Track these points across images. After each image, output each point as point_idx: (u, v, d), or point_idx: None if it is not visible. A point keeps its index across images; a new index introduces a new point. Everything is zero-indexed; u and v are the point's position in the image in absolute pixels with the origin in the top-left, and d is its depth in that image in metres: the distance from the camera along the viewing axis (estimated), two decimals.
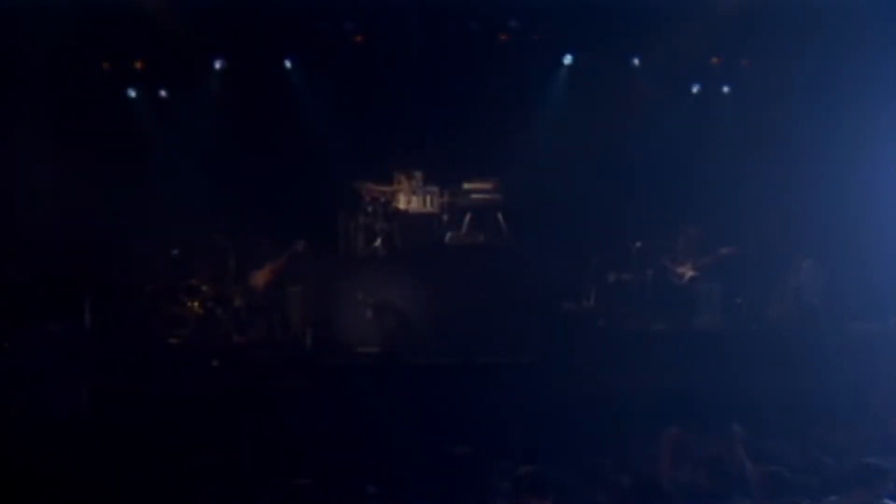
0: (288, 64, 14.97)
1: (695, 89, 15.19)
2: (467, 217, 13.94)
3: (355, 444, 9.32)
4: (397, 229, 13.76)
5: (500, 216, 13.90)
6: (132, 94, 14.97)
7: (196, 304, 13.13)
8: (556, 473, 7.45)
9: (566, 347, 12.39)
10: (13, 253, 13.25)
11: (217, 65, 14.85)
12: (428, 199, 14.08)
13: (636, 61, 14.89)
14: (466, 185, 14.08)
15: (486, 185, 14.05)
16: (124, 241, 14.07)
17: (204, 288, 13.22)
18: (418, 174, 14.16)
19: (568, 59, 14.82)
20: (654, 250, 13.69)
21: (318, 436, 9.73)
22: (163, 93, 15.05)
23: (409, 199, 14.06)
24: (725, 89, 15.14)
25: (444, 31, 14.66)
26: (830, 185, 13.89)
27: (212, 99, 15.00)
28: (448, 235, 13.89)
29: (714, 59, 14.66)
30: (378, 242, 13.59)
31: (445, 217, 14.03)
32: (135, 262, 13.85)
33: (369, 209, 13.77)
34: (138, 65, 14.51)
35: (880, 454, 7.44)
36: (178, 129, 15.07)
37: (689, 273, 13.50)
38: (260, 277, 13.65)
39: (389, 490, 8.03)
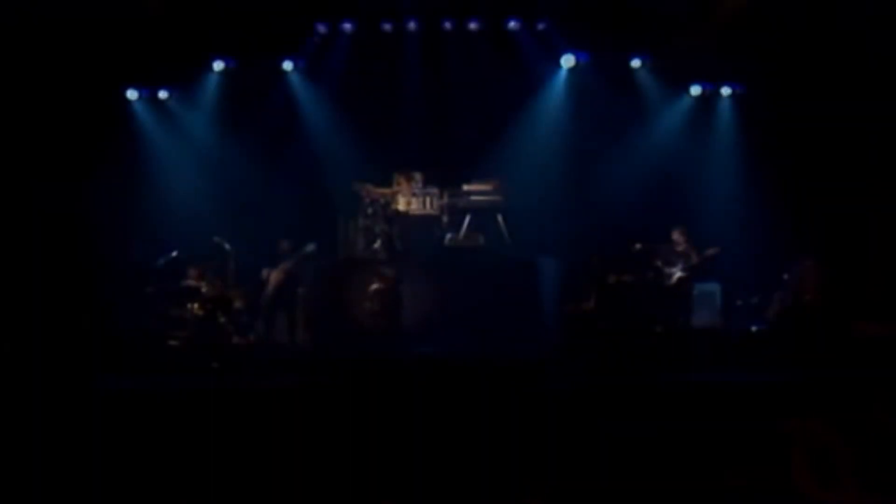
0: (287, 65, 14.96)
1: (695, 91, 15.18)
2: (467, 219, 13.94)
3: (355, 444, 9.29)
4: (397, 231, 13.76)
5: (499, 218, 13.89)
6: (131, 95, 14.96)
7: (196, 306, 13.11)
8: (556, 473, 7.48)
9: (566, 349, 12.39)
10: (12, 253, 13.22)
11: (216, 66, 14.85)
12: (428, 200, 14.08)
13: (636, 62, 14.89)
14: (466, 187, 14.08)
15: (486, 187, 14.05)
16: (124, 243, 14.05)
17: (204, 290, 13.22)
18: (418, 176, 14.17)
19: (568, 60, 14.81)
20: (654, 251, 13.66)
21: (319, 436, 9.68)
22: (162, 94, 15.05)
23: (409, 201, 14.06)
24: (726, 90, 15.14)
25: (443, 32, 14.68)
26: (831, 185, 13.89)
27: (211, 100, 15.01)
28: (448, 237, 13.89)
29: (714, 61, 14.62)
30: (378, 244, 13.60)
31: (445, 219, 14.03)
32: (134, 264, 13.81)
33: (369, 211, 13.77)
34: (138, 66, 14.46)
35: None
36: (177, 130, 15.08)
37: (678, 274, 13.48)
38: (272, 278, 13.65)
39: (391, 489, 8.03)
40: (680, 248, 13.55)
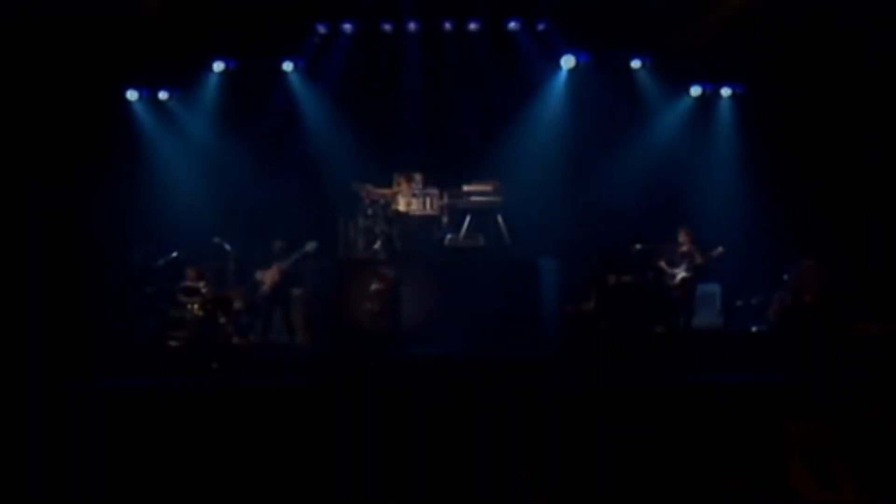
0: (287, 65, 14.96)
1: (695, 91, 15.18)
2: (467, 219, 13.93)
3: (356, 444, 9.30)
4: (397, 231, 13.77)
5: (499, 218, 13.88)
6: (132, 95, 14.95)
7: (196, 306, 13.13)
8: (557, 473, 7.47)
9: (566, 349, 12.39)
10: (12, 254, 13.22)
11: (216, 66, 14.85)
12: (428, 201, 14.08)
13: (636, 63, 14.89)
14: (466, 188, 14.07)
15: (486, 188, 14.04)
16: (124, 243, 14.04)
17: (203, 290, 13.23)
18: (418, 176, 14.17)
19: (568, 61, 14.80)
20: (654, 252, 13.65)
21: (319, 437, 9.69)
22: (162, 94, 15.04)
23: (409, 202, 14.06)
24: (726, 91, 15.14)
25: (443, 32, 14.69)
26: (830, 185, 13.90)
27: (211, 100, 15.01)
28: (448, 237, 13.88)
29: (714, 61, 14.61)
30: (378, 244, 13.60)
31: (445, 219, 14.03)
32: (134, 265, 13.81)
33: (369, 211, 13.78)
34: (138, 66, 14.45)
35: None
36: (177, 131, 15.08)
37: (682, 275, 13.47)
38: (267, 277, 13.66)
39: (392, 490, 8.03)
40: (684, 249, 13.53)
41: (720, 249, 13.39)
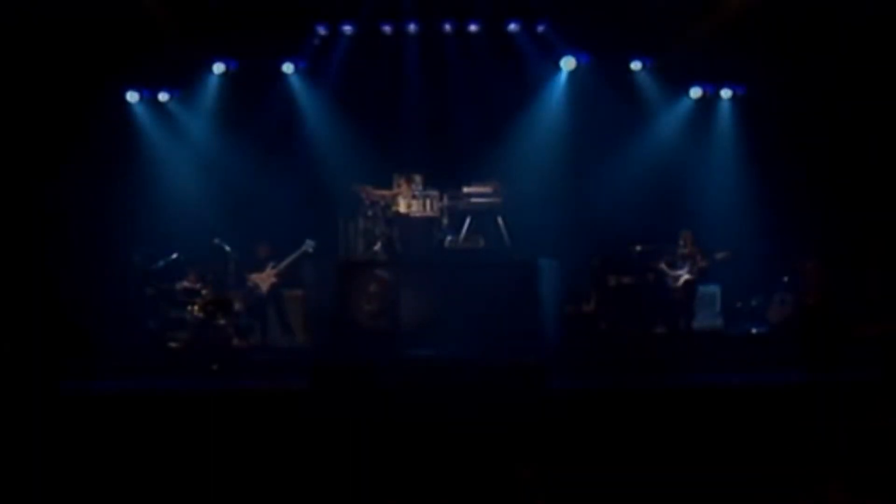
0: (287, 67, 14.96)
1: (695, 92, 15.17)
2: (467, 220, 13.93)
3: (356, 445, 9.29)
4: (397, 233, 13.77)
5: (499, 220, 13.88)
6: (132, 97, 14.95)
7: (196, 307, 13.13)
8: (557, 474, 7.47)
9: (566, 350, 12.39)
10: (11, 254, 13.21)
11: (217, 68, 14.85)
12: (428, 202, 14.07)
13: (636, 64, 14.89)
14: (466, 189, 14.07)
15: (486, 189, 14.04)
16: (124, 245, 14.05)
17: (204, 292, 13.24)
18: (418, 178, 14.16)
19: (568, 62, 14.80)
20: (654, 254, 13.65)
21: (319, 438, 9.69)
22: (162, 96, 15.04)
23: (409, 203, 14.05)
24: (726, 93, 15.13)
25: (443, 34, 14.69)
26: (831, 186, 13.90)
27: (211, 102, 15.00)
28: (448, 239, 13.88)
29: (714, 62, 14.61)
30: (378, 246, 13.60)
31: (445, 221, 14.02)
32: (135, 266, 13.81)
33: (369, 213, 13.80)
34: (138, 68, 14.45)
35: None
36: (177, 133, 15.07)
37: (685, 277, 13.45)
38: (262, 280, 13.66)
39: (392, 490, 8.02)
40: (685, 251, 13.51)
41: (725, 253, 13.37)
